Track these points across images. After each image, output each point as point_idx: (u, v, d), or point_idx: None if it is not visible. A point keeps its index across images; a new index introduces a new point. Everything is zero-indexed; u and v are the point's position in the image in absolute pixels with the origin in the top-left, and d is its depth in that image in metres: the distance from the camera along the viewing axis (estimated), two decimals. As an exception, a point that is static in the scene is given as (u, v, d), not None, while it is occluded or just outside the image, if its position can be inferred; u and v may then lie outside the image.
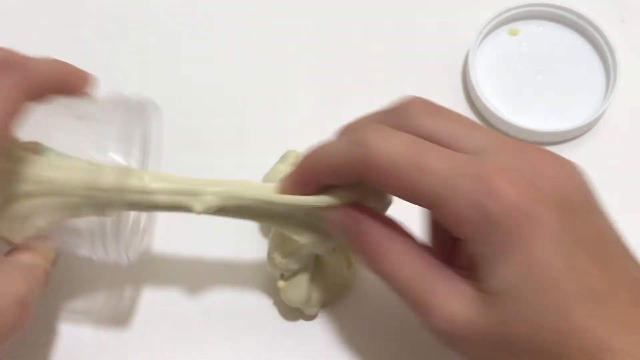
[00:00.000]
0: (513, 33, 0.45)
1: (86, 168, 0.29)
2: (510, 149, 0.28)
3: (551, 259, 0.26)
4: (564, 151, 0.42)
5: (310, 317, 0.37)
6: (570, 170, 0.28)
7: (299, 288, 0.35)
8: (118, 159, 0.29)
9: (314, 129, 0.42)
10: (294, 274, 0.34)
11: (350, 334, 0.36)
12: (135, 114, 0.32)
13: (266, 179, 0.38)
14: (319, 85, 0.44)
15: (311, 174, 0.30)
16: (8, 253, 0.30)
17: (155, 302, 0.37)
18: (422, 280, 0.28)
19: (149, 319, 0.37)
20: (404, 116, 0.29)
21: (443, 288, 0.28)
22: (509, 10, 0.45)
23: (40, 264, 0.30)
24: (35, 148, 0.30)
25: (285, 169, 0.36)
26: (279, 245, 0.34)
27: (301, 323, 0.37)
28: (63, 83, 0.31)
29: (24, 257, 0.30)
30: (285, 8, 0.47)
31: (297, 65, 0.45)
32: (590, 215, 0.28)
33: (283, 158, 0.38)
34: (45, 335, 0.36)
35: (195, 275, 0.38)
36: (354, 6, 0.47)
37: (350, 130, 0.31)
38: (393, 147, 0.27)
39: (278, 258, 0.34)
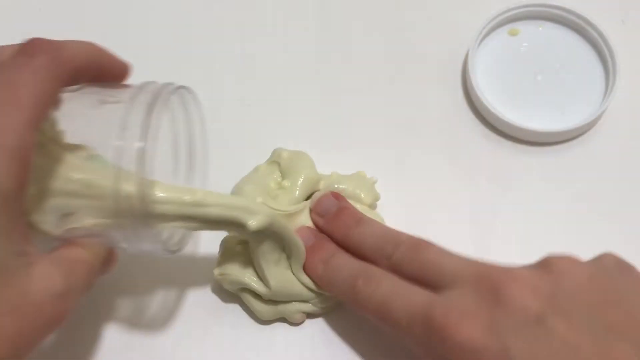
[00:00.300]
0: (513, 33, 0.45)
1: (115, 175, 0.28)
2: (469, 282, 0.30)
3: None
4: (564, 151, 0.42)
5: (295, 324, 0.37)
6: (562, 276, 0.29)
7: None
8: (139, 145, 0.28)
9: (313, 128, 0.43)
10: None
11: (337, 340, 0.36)
12: (163, 101, 0.30)
13: (249, 177, 0.38)
14: (318, 85, 0.44)
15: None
16: (52, 249, 0.30)
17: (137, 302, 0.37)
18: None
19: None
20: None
21: None
22: (509, 10, 0.45)
23: (84, 260, 0.30)
24: (79, 149, 0.30)
25: (265, 168, 0.38)
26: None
27: (285, 328, 0.37)
28: (98, 70, 0.31)
29: (66, 252, 0.29)
30: (285, 7, 0.47)
31: (296, 64, 0.45)
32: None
33: (271, 156, 0.39)
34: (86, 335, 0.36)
35: (178, 276, 0.38)
36: (353, 6, 0.47)
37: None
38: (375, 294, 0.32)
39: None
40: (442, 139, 0.42)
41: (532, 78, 0.44)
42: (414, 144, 0.42)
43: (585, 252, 0.31)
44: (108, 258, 0.32)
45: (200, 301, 0.37)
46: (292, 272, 0.35)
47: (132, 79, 0.44)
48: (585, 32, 0.44)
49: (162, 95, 0.30)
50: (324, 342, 0.36)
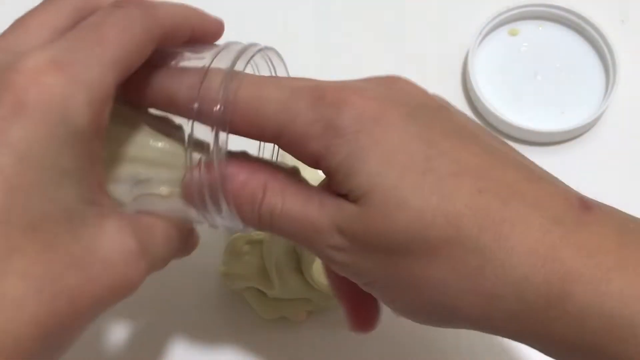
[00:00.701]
0: (513, 33, 0.45)
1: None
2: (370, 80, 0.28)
3: (412, 143, 0.24)
4: (564, 151, 0.42)
5: (296, 322, 0.37)
6: (428, 92, 0.27)
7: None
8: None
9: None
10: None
11: (338, 338, 0.37)
12: (245, 58, 0.27)
13: None
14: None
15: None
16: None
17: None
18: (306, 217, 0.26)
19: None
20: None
21: (325, 218, 0.25)
22: (509, 10, 0.45)
23: (161, 227, 0.26)
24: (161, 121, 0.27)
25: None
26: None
27: (286, 327, 0.37)
28: (192, 31, 0.28)
29: (142, 217, 0.26)
30: (284, 7, 0.47)
31: (296, 64, 0.45)
32: (452, 115, 0.26)
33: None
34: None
35: (180, 274, 0.38)
36: (353, 6, 0.47)
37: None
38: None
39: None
40: (442, 139, 0.42)
41: (532, 78, 0.44)
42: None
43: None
44: (188, 236, 0.28)
45: (202, 300, 0.37)
46: (301, 270, 0.35)
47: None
48: (585, 32, 0.44)
49: (246, 52, 0.27)
50: (324, 340, 0.36)
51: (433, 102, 0.27)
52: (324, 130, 0.25)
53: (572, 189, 0.26)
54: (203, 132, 0.25)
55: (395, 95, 0.26)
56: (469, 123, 0.27)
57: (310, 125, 0.25)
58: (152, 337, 0.37)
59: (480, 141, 0.25)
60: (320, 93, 0.25)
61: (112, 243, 0.24)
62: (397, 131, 0.24)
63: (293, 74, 0.44)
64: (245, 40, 0.29)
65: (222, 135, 0.25)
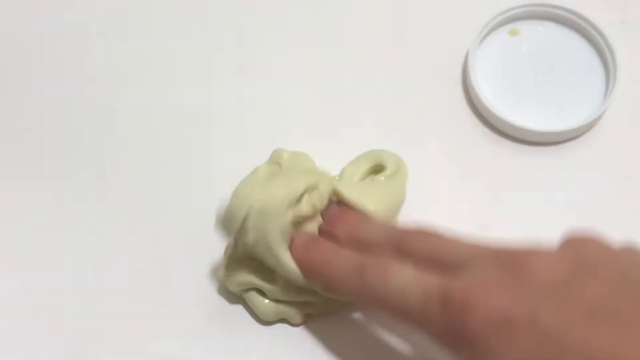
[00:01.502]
0: (513, 33, 0.45)
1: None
2: (487, 259, 0.28)
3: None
4: (564, 151, 0.42)
5: (296, 324, 0.37)
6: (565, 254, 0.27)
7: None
8: None
9: (313, 129, 0.43)
10: None
11: (337, 341, 0.36)
12: None
13: (247, 179, 0.38)
14: (318, 86, 0.44)
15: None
16: None
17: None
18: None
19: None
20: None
21: None
22: (509, 10, 0.45)
23: None
24: None
25: (265, 169, 0.37)
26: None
27: (286, 330, 0.37)
28: None
29: None
30: (284, 7, 0.47)
31: (295, 65, 0.45)
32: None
33: (271, 157, 0.39)
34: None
35: (180, 277, 0.38)
36: (353, 6, 0.47)
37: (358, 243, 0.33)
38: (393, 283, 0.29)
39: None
40: (442, 139, 0.42)
41: (532, 78, 0.44)
42: (413, 144, 0.42)
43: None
44: None
45: (201, 303, 0.37)
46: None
47: (132, 79, 0.44)
48: (586, 32, 0.44)
49: None
50: (324, 343, 0.36)
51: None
52: (456, 342, 0.26)
53: None
54: None
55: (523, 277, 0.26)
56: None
57: (444, 335, 0.27)
58: (150, 339, 0.36)
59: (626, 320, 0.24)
60: (449, 298, 0.27)
61: None
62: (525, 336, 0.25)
63: (292, 75, 0.44)
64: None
65: None
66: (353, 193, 0.35)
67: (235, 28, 0.46)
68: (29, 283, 0.38)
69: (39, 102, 0.43)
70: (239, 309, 0.37)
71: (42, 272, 0.38)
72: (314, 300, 0.36)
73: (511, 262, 0.26)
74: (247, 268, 0.35)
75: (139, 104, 0.43)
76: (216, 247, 0.37)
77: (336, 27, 0.46)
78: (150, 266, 0.38)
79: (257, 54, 0.45)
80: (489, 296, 0.25)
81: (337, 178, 0.38)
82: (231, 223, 0.34)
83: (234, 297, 0.37)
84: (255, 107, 0.43)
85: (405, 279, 0.29)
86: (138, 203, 0.40)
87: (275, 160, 0.38)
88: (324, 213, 0.35)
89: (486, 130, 0.42)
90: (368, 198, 0.35)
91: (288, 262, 0.33)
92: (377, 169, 0.38)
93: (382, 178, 0.37)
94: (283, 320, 0.37)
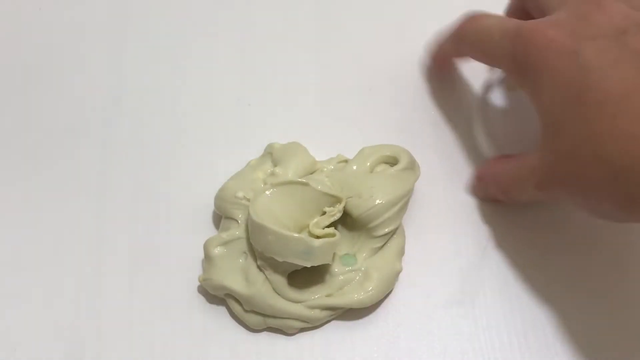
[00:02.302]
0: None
1: None
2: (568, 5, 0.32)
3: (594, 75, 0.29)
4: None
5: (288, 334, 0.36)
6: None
7: None
8: None
9: (312, 128, 0.43)
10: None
11: (332, 352, 0.36)
12: None
13: (237, 173, 0.38)
14: (318, 85, 0.44)
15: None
16: None
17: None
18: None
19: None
20: None
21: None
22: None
23: None
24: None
25: (256, 161, 0.38)
26: None
27: (276, 338, 0.36)
28: None
29: None
30: (283, 7, 0.47)
31: (295, 64, 0.45)
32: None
33: (265, 150, 0.39)
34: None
35: (171, 280, 0.38)
36: (352, 6, 0.47)
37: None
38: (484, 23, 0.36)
39: None
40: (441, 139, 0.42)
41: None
42: (413, 143, 0.42)
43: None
44: None
45: (202, 302, 0.37)
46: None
47: (132, 80, 0.44)
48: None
49: None
50: (318, 354, 0.36)
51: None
52: (517, 68, 0.33)
53: None
54: None
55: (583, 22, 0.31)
56: None
57: (511, 63, 0.33)
58: (150, 339, 0.36)
59: None
60: (520, 30, 0.33)
61: None
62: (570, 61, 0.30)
63: (289, 73, 0.44)
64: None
65: None
66: (366, 184, 0.37)
67: (236, 28, 0.46)
68: (29, 282, 0.37)
69: (38, 101, 0.43)
70: (226, 315, 0.37)
71: (42, 272, 0.38)
72: (291, 317, 0.35)
73: (585, 5, 0.31)
74: (224, 271, 0.35)
75: (139, 104, 0.43)
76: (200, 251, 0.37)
77: (336, 27, 0.46)
78: (150, 265, 0.38)
79: (257, 54, 0.45)
80: (549, 29, 0.31)
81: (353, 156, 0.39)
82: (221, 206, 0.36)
83: (221, 301, 0.37)
84: (253, 106, 0.43)
85: (491, 22, 0.35)
86: (137, 202, 0.40)
87: (268, 151, 0.38)
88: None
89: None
90: (377, 189, 0.36)
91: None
92: (392, 161, 0.38)
93: (393, 171, 0.37)
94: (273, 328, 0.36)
